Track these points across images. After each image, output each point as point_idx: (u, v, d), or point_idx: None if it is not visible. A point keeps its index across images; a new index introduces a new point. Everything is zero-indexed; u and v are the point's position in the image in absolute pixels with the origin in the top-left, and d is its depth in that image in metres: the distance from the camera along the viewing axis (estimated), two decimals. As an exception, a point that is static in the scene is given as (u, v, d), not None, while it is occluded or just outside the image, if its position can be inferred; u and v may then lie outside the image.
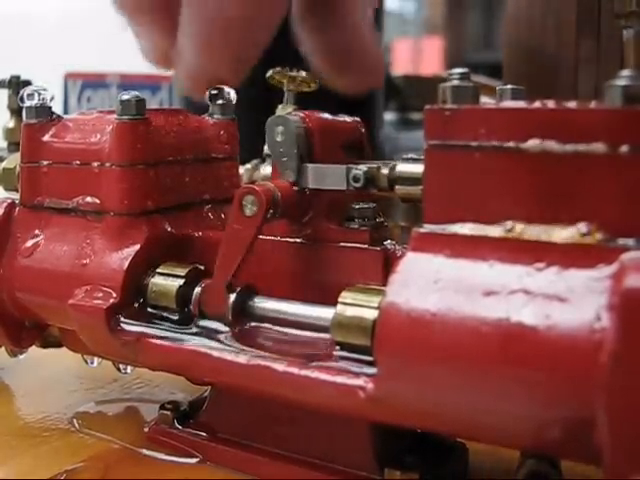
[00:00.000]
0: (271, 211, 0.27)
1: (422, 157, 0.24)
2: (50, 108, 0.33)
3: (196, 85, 0.42)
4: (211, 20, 0.41)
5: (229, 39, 0.41)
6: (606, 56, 0.45)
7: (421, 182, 0.25)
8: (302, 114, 0.28)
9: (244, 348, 0.27)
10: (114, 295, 0.29)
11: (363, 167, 0.27)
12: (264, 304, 0.28)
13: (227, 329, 0.28)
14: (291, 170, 0.28)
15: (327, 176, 0.28)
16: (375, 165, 0.27)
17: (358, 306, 0.25)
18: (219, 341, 0.28)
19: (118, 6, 0.44)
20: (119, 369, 0.35)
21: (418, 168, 0.25)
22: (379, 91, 0.73)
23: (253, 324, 0.28)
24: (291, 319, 0.27)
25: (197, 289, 0.29)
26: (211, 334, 0.28)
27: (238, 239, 0.28)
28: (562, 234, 0.21)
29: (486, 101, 0.24)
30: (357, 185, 0.27)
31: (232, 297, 0.28)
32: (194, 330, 0.29)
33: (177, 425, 0.31)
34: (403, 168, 0.27)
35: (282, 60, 0.41)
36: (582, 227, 0.21)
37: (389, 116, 0.87)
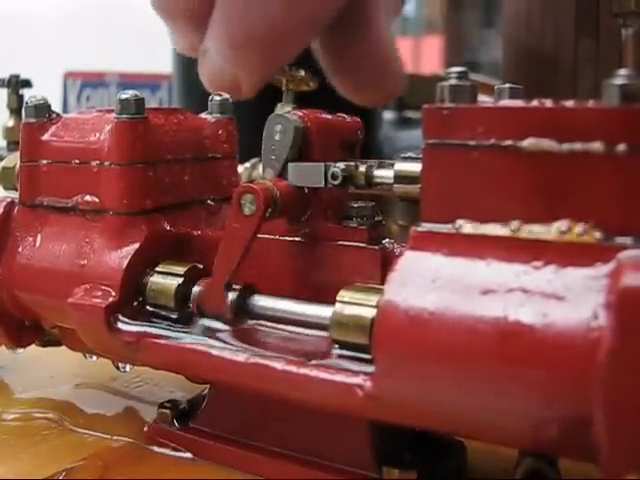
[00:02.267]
0: (270, 210, 0.27)
1: (420, 156, 0.24)
2: (49, 107, 0.33)
3: (214, 86, 0.42)
4: (238, 27, 0.40)
5: (255, 48, 0.40)
6: (605, 55, 0.45)
7: (419, 181, 0.25)
8: (301, 113, 0.29)
9: (243, 346, 0.27)
10: (113, 294, 0.29)
11: (341, 165, 0.28)
12: (263, 302, 0.28)
13: (227, 327, 0.28)
14: (273, 168, 0.28)
15: (306, 174, 0.28)
16: (353, 163, 0.28)
17: (356, 305, 0.25)
18: (219, 340, 0.28)
19: (154, 6, 0.44)
20: (118, 367, 0.35)
21: (416, 167, 0.25)
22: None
23: (252, 322, 0.28)
24: (290, 317, 0.28)
25: (196, 288, 0.29)
26: (210, 333, 0.28)
27: (237, 238, 0.28)
28: (560, 232, 0.22)
29: (484, 100, 0.24)
30: (335, 183, 0.27)
31: (231, 295, 0.28)
32: (193, 329, 0.29)
33: (176, 424, 0.31)
34: (401, 167, 0.27)
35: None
36: (580, 225, 0.21)
37: (388, 115, 0.87)
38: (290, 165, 0.28)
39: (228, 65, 0.40)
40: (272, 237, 0.29)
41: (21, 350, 0.36)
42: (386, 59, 0.46)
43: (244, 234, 0.27)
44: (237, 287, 0.28)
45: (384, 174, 0.27)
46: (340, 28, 0.43)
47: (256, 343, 0.27)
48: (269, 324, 0.28)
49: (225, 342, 0.27)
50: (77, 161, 0.31)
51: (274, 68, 0.40)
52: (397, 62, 0.47)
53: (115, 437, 0.31)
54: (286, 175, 0.28)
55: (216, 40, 0.41)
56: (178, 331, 0.29)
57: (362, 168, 0.28)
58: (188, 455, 0.30)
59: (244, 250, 0.28)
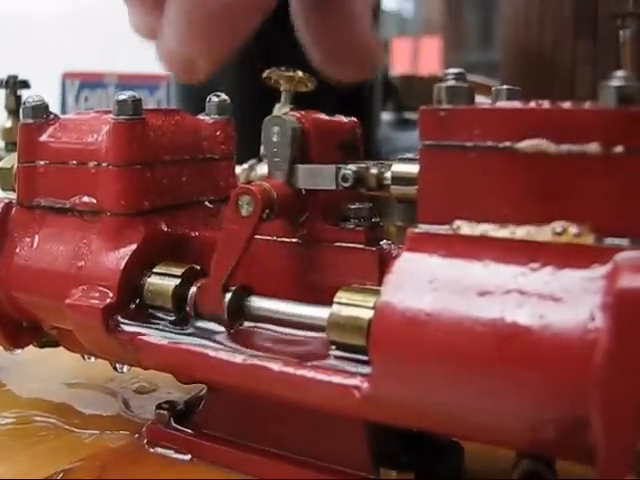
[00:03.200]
0: (267, 211, 0.27)
1: (417, 157, 0.24)
2: (47, 108, 0.33)
3: (171, 66, 0.43)
4: (193, 5, 0.41)
5: (209, 25, 0.41)
6: (603, 56, 0.45)
7: (416, 182, 0.25)
8: (298, 114, 0.28)
9: (240, 348, 0.27)
10: (111, 295, 0.29)
11: (352, 167, 0.27)
12: (260, 304, 0.28)
13: (223, 329, 0.28)
14: (281, 171, 0.28)
15: (316, 176, 0.28)
16: (364, 165, 0.28)
17: (354, 306, 0.25)
18: (216, 341, 0.28)
19: None
20: (116, 368, 0.35)
21: (413, 168, 0.25)
22: (376, 91, 0.73)
23: (249, 324, 0.28)
24: (287, 319, 0.27)
25: (192, 289, 0.29)
26: (207, 334, 0.28)
27: (234, 239, 0.28)
28: (557, 234, 0.22)
29: (481, 101, 0.24)
30: (346, 185, 0.27)
31: (228, 297, 0.28)
32: (190, 330, 0.29)
33: (174, 424, 0.31)
34: (399, 168, 0.27)
35: (278, 50, 0.41)
36: (577, 227, 0.21)
37: (386, 116, 0.87)
38: (300, 167, 0.28)
39: (184, 44, 0.41)
40: (269, 238, 0.29)
41: (19, 351, 0.36)
42: (361, 37, 0.47)
43: (242, 235, 0.27)
44: (234, 288, 0.28)
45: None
46: (317, 4, 0.45)
47: (253, 344, 0.27)
48: (266, 326, 0.28)
49: (223, 344, 0.27)
50: (75, 162, 0.31)
51: (230, 45, 0.41)
52: (371, 35, 0.48)
53: (113, 438, 0.31)
54: (294, 177, 0.28)
55: (173, 19, 0.41)
56: (175, 332, 0.29)
57: (373, 170, 0.27)
58: (185, 456, 0.30)
59: (242, 251, 0.28)
